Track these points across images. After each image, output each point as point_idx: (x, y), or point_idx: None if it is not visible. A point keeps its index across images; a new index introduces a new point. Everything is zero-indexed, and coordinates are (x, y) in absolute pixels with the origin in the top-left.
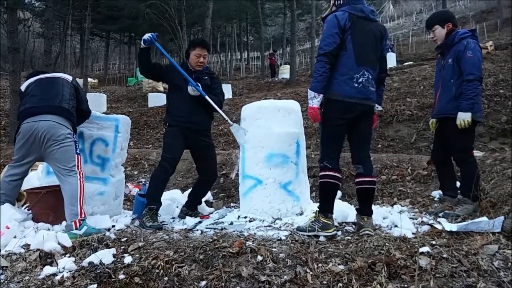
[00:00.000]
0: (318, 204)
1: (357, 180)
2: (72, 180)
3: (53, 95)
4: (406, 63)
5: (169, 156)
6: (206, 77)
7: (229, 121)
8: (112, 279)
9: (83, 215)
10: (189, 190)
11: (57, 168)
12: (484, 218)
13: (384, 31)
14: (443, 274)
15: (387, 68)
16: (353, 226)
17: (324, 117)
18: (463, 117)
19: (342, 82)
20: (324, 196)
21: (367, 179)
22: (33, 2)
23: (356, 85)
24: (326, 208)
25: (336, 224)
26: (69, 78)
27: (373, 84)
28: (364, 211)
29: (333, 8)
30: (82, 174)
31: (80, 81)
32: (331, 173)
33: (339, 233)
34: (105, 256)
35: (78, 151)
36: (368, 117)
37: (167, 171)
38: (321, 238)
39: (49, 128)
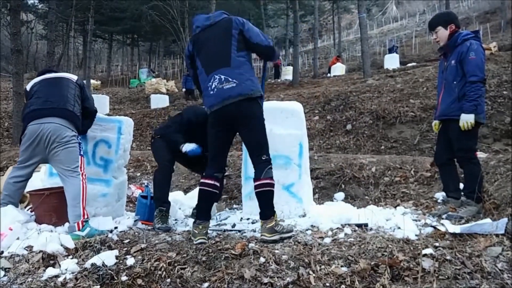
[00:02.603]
0: (319, 205)
1: (254, 185)
2: (75, 181)
3: (58, 97)
4: (409, 64)
5: (166, 155)
6: None
7: None
8: (115, 281)
9: (85, 216)
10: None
11: (60, 170)
12: (488, 220)
13: (229, 22)
14: (447, 276)
15: (263, 48)
16: (355, 228)
17: None
18: (466, 119)
19: (204, 97)
20: (198, 203)
21: (256, 182)
22: (36, 4)
23: (212, 92)
24: (198, 216)
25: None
26: (74, 78)
27: (230, 80)
28: (262, 215)
29: None
30: (85, 175)
31: None
32: (204, 180)
33: (341, 235)
34: (107, 257)
35: (81, 153)
36: (243, 119)
37: (168, 170)
38: (325, 240)
39: (54, 130)
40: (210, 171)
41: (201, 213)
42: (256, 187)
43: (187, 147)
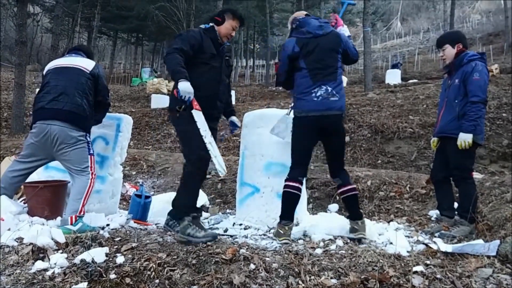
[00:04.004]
0: (312, 216)
1: (339, 191)
2: (84, 179)
3: (66, 95)
4: (411, 81)
5: (195, 156)
6: (227, 58)
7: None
8: (103, 278)
9: (81, 213)
10: None
11: (70, 168)
12: (480, 241)
13: (338, 38)
14: None
15: (354, 61)
16: (347, 240)
17: (292, 133)
18: (464, 138)
19: (302, 100)
20: (283, 205)
21: (347, 187)
22: None
23: (315, 99)
24: (283, 216)
25: (293, 235)
26: (89, 67)
27: (335, 94)
28: (356, 215)
29: (292, 33)
30: (95, 175)
31: None
32: (288, 183)
33: (333, 246)
34: (97, 254)
35: (91, 152)
36: (336, 129)
37: (202, 178)
38: (317, 251)
39: (60, 132)
40: (294, 173)
41: (286, 213)
42: (347, 191)
43: (182, 87)
